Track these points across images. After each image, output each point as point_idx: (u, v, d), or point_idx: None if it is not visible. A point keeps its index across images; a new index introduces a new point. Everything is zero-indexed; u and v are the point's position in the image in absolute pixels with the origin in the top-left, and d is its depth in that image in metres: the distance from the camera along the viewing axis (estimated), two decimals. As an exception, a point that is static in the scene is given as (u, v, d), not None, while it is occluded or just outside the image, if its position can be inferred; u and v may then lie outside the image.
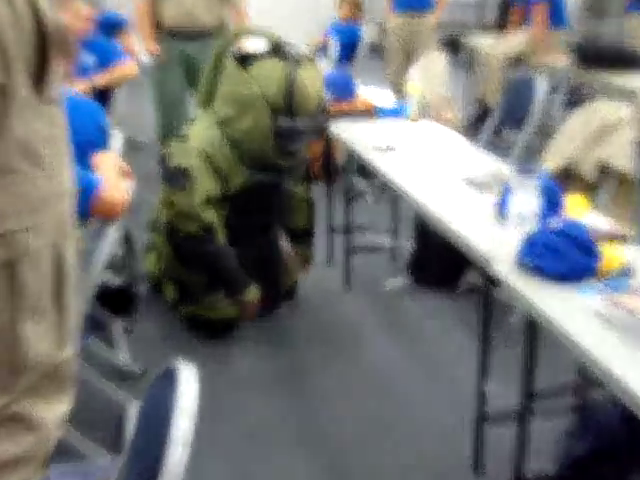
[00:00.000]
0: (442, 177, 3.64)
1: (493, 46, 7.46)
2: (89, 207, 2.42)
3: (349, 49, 7.69)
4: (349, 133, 4.40)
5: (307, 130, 3.82)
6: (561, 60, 6.97)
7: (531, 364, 2.70)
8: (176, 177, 3.79)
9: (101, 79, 5.37)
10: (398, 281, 4.76)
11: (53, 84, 1.09)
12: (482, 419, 3.09)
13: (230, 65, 3.82)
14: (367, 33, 7.90)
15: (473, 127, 7.42)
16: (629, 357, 2.06)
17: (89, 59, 5.28)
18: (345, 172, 4.89)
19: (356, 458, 3.20)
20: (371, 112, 4.79)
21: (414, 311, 4.42)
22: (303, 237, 4.44)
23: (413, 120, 4.60)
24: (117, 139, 3.33)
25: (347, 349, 4.01)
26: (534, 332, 2.64)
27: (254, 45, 6.25)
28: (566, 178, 3.97)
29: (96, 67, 5.38)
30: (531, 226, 2.71)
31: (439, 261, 4.57)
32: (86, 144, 3.19)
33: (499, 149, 5.77)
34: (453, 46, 12.40)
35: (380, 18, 10.03)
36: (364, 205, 5.88)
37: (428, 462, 3.17)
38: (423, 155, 4.02)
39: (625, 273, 2.47)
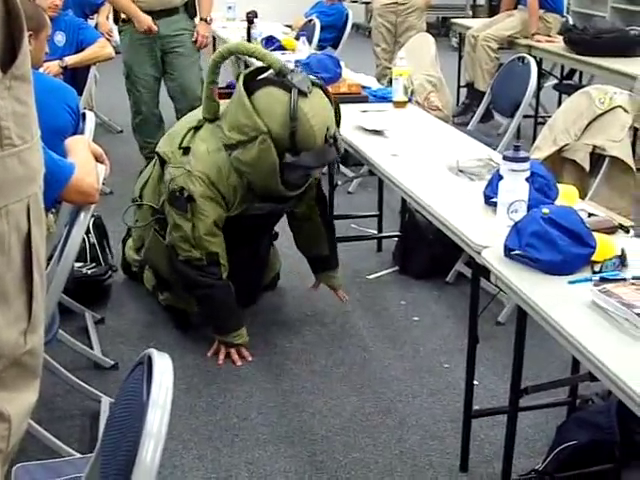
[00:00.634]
0: (430, 163, 3.55)
1: (484, 29, 7.34)
2: (62, 192, 2.31)
3: (334, 31, 7.59)
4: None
5: (312, 166, 3.60)
6: (555, 44, 6.86)
7: (521, 358, 2.60)
8: (179, 200, 3.61)
9: (72, 59, 5.25)
10: (383, 271, 4.65)
11: (21, 61, 1.08)
12: (470, 413, 3.00)
13: (238, 90, 3.57)
14: (353, 14, 7.78)
15: (463, 112, 7.34)
16: (622, 349, 2.02)
17: (59, 37, 5.16)
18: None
19: (338, 453, 3.12)
20: (357, 95, 4.67)
21: (400, 302, 4.32)
22: (326, 264, 4.16)
23: (400, 104, 4.47)
24: (91, 122, 3.22)
25: (330, 341, 3.92)
26: (524, 323, 2.54)
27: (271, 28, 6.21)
28: (559, 165, 3.89)
29: (68, 46, 5.27)
30: (521, 214, 2.61)
31: (426, 251, 4.47)
32: (57, 129, 3.09)
33: (489, 135, 5.69)
34: (443, 29, 12.37)
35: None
36: (348, 193, 5.79)
37: (413, 458, 3.09)
38: (411, 140, 3.92)
39: (619, 263, 2.39)
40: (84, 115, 3.28)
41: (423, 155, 3.67)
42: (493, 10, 9.54)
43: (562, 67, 7.44)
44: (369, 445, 3.16)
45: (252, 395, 3.47)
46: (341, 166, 5.92)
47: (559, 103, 6.81)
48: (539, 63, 6.55)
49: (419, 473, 3.00)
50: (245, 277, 3.92)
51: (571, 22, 7.48)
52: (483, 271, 2.66)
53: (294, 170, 3.55)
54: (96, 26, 6.45)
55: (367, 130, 4.01)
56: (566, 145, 3.92)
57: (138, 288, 4.25)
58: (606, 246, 2.46)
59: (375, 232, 5.04)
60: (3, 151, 1.07)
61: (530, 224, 2.45)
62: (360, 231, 5.14)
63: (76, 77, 5.25)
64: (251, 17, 6.53)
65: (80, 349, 3.60)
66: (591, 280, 2.30)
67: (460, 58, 7.84)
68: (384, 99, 4.63)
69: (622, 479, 2.72)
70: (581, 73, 7.42)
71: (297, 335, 3.96)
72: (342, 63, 4.97)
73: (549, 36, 7.07)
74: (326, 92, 3.64)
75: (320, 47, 6.77)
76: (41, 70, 4.03)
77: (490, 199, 2.92)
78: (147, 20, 5.59)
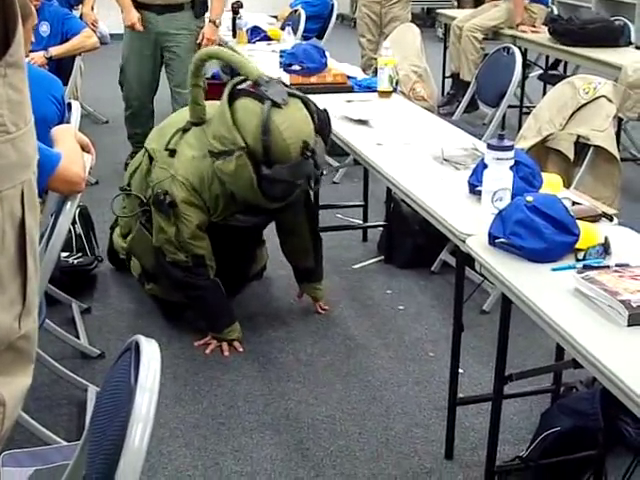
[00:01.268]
0: (415, 153, 3.56)
1: (469, 19, 7.35)
2: (48, 181, 2.31)
3: (320, 21, 7.58)
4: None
5: (287, 180, 3.50)
6: (540, 34, 6.88)
7: (505, 346, 2.62)
8: (162, 203, 3.60)
9: (57, 50, 5.23)
10: (369, 261, 4.66)
11: (15, 49, 1.09)
12: (455, 401, 3.01)
13: (223, 99, 3.53)
14: (338, 4, 7.76)
15: (448, 102, 7.35)
16: (605, 335, 2.03)
17: (44, 27, 5.13)
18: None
19: (324, 441, 3.13)
20: (342, 85, 4.67)
21: (385, 291, 4.33)
22: (311, 276, 4.12)
23: (385, 94, 4.48)
24: (77, 112, 3.21)
25: (315, 330, 3.93)
26: (509, 311, 2.56)
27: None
28: (544, 154, 3.90)
29: (53, 37, 5.25)
30: (506, 202, 2.62)
31: (412, 240, 4.48)
32: (42, 118, 3.07)
33: (474, 125, 5.71)
34: (428, 19, 12.37)
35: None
36: (333, 183, 5.79)
37: (398, 446, 3.10)
38: (396, 130, 3.92)
39: (602, 251, 2.41)
40: (70, 105, 3.27)
41: (408, 144, 3.67)
42: (478, 1, 9.54)
43: (547, 57, 7.45)
44: (355, 433, 3.17)
45: (238, 383, 3.48)
46: (326, 156, 5.91)
47: (544, 93, 6.82)
48: (524, 53, 6.57)
49: (404, 460, 3.02)
50: (232, 269, 3.92)
51: (556, 12, 7.50)
52: (468, 260, 2.68)
53: (271, 183, 3.48)
54: (81, 16, 6.42)
55: (352, 120, 4.01)
56: (550, 135, 3.94)
57: (124, 278, 4.25)
58: (590, 234, 2.47)
59: (360, 222, 5.05)
60: None
61: (514, 212, 2.45)
62: (345, 221, 5.15)
63: (61, 68, 5.23)
64: (236, 7, 6.51)
65: (67, 339, 3.60)
66: (575, 267, 2.31)
67: (445, 49, 7.85)
68: (369, 89, 4.63)
69: (606, 465, 2.75)
70: (566, 63, 7.44)
71: (283, 324, 3.97)
72: (327, 53, 4.97)
73: (534, 26, 7.08)
74: (307, 104, 3.55)
75: (305, 37, 6.75)
76: (26, 60, 4.02)
77: (475, 188, 2.93)
78: (133, 18, 5.53)
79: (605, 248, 2.42)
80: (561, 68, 7.62)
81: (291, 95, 3.49)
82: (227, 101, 3.48)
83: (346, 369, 3.60)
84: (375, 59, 5.56)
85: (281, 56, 5.40)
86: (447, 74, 7.84)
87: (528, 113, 4.80)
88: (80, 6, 6.77)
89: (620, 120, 5.31)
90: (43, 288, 2.64)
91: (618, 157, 3.79)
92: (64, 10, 5.58)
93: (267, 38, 6.47)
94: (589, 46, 6.16)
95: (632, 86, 5.21)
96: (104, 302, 4.14)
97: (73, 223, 4.07)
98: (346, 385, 3.48)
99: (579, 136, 3.83)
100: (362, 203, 5.01)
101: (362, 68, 6.07)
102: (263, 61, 5.51)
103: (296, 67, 4.81)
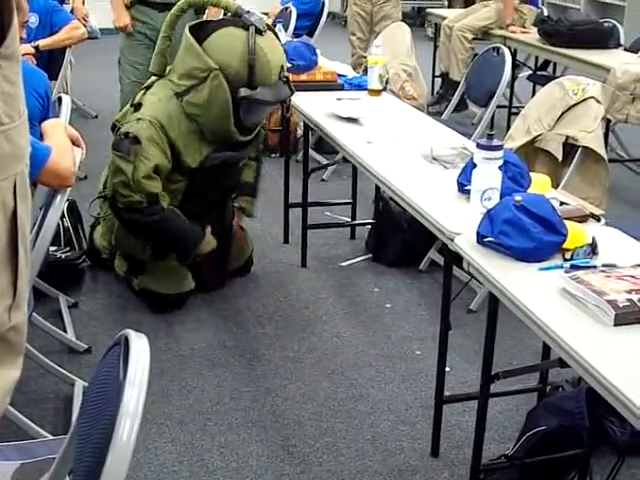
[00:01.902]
0: (405, 151, 3.56)
1: (460, 19, 7.36)
2: (38, 175, 2.31)
3: (310, 19, 7.57)
4: (308, 105, 4.29)
5: (268, 100, 3.76)
6: (529, 35, 6.89)
7: (492, 344, 2.62)
8: (123, 143, 3.68)
9: (45, 41, 5.21)
10: (357, 258, 4.67)
11: (10, 41, 1.10)
12: (441, 399, 3.01)
13: (185, 37, 3.74)
14: (329, 2, 7.75)
15: (437, 101, 7.36)
16: (591, 335, 2.04)
17: (32, 19, 5.11)
18: (303, 146, 4.77)
19: (310, 438, 3.13)
20: (333, 83, 4.67)
21: (373, 289, 4.34)
22: (247, 191, 4.36)
23: (374, 92, 4.49)
24: (67, 106, 3.20)
25: (302, 327, 3.93)
26: (496, 310, 2.56)
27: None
28: (533, 155, 3.91)
29: (41, 29, 5.22)
30: (494, 202, 2.63)
31: (400, 239, 4.49)
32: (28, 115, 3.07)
33: (464, 125, 5.71)
34: (418, 18, 12.37)
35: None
36: (322, 181, 5.79)
37: (384, 443, 3.11)
38: (385, 128, 3.92)
39: (589, 251, 2.42)
40: (60, 99, 3.25)
41: (397, 143, 3.67)
42: (468, 0, 9.55)
43: (536, 58, 7.46)
44: (341, 430, 3.17)
45: (225, 380, 3.48)
46: (315, 153, 5.92)
47: (533, 94, 6.83)
48: (513, 54, 6.58)
49: (390, 458, 3.02)
50: (212, 257, 4.01)
51: (546, 14, 7.51)
52: (456, 259, 2.68)
53: (250, 106, 3.71)
54: (72, 11, 6.40)
55: (342, 118, 4.01)
56: (539, 135, 3.95)
57: (111, 272, 4.24)
58: (577, 234, 2.48)
59: (349, 219, 5.05)
60: None
61: (503, 212, 2.46)
62: (334, 218, 5.15)
63: (51, 61, 5.21)
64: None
65: (54, 333, 3.60)
66: (562, 267, 2.32)
67: (435, 48, 7.86)
68: (359, 87, 4.63)
69: (591, 464, 2.76)
70: (555, 64, 7.45)
71: (270, 321, 3.97)
72: (318, 51, 4.97)
73: (524, 27, 7.10)
74: (277, 37, 3.88)
75: (296, 35, 6.73)
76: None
77: (463, 187, 2.94)
78: (125, 19, 5.47)
79: (592, 248, 2.43)
80: (550, 69, 7.64)
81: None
82: (190, 36, 3.70)
83: (333, 366, 3.60)
84: (365, 57, 5.56)
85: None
86: (437, 73, 7.85)
87: (517, 113, 4.82)
88: (71, 0, 6.75)
89: (608, 121, 5.32)
90: (32, 281, 2.63)
91: (606, 158, 3.80)
92: (53, 2, 5.55)
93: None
94: (578, 47, 6.18)
95: (620, 88, 5.22)
96: (91, 296, 4.14)
97: (61, 217, 4.06)
98: (333, 382, 3.49)
99: (568, 137, 3.84)
100: (350, 201, 5.02)
101: (352, 66, 6.07)
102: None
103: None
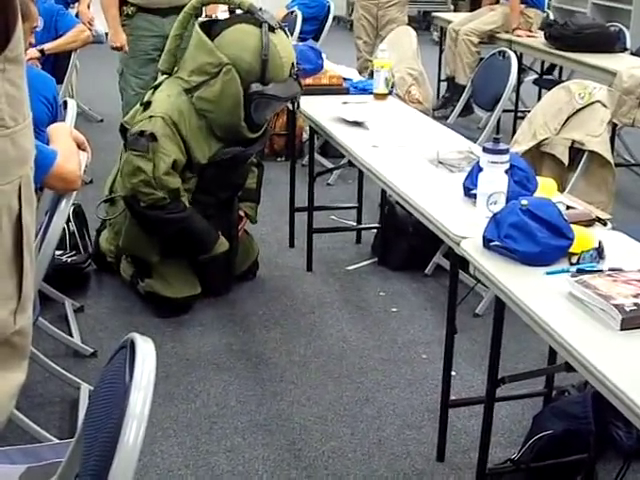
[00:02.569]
0: (410, 155, 3.55)
1: (465, 23, 7.36)
2: (44, 179, 2.31)
3: (316, 23, 7.58)
4: (314, 109, 4.29)
5: (280, 96, 3.80)
6: (535, 39, 6.89)
7: (498, 348, 2.62)
8: (139, 141, 3.68)
9: (50, 45, 5.21)
10: (363, 262, 4.66)
11: (15, 44, 1.10)
12: (447, 403, 3.01)
13: (195, 33, 3.78)
14: (334, 6, 7.75)
15: (443, 105, 7.36)
16: (598, 339, 2.03)
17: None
18: (309, 149, 4.77)
19: (316, 442, 3.13)
20: (338, 87, 4.68)
21: (379, 293, 4.33)
22: (250, 197, 4.36)
23: (380, 96, 4.49)
24: (72, 110, 3.20)
25: (308, 331, 3.93)
26: (502, 314, 2.56)
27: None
28: (539, 159, 3.91)
29: (46, 32, 5.22)
30: (500, 206, 2.63)
31: (406, 243, 4.48)
32: (34, 120, 3.07)
33: (469, 129, 5.71)
34: (424, 22, 12.38)
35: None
36: (328, 185, 5.79)
37: (390, 447, 3.11)
38: (391, 132, 3.92)
39: (596, 255, 2.41)
40: (65, 103, 3.26)
41: (403, 147, 3.67)
42: (474, 4, 9.55)
43: (542, 62, 7.46)
44: (347, 434, 3.17)
45: (231, 384, 3.48)
46: (321, 157, 5.93)
47: (539, 98, 6.84)
48: (519, 58, 6.58)
49: (396, 462, 3.02)
50: (218, 261, 4.04)
51: (552, 17, 7.52)
52: (461, 263, 2.68)
53: (260, 102, 3.74)
54: (77, 15, 6.41)
55: (348, 122, 4.01)
56: (545, 139, 3.95)
57: (117, 276, 4.24)
58: (584, 238, 2.48)
59: (354, 223, 5.04)
60: None
61: (509, 215, 2.46)
62: (339, 222, 5.15)
63: (57, 66, 5.22)
64: (233, 8, 6.49)
65: (60, 337, 3.61)
66: (568, 271, 2.32)
67: (441, 52, 7.86)
68: (365, 91, 4.64)
69: (597, 469, 2.76)
70: (561, 68, 7.45)
71: (276, 325, 3.97)
72: (323, 55, 4.98)
73: (530, 31, 7.10)
74: (287, 34, 3.94)
75: (301, 39, 6.75)
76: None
77: (470, 191, 2.93)
78: (121, 39, 5.28)
79: (599, 252, 2.42)
80: (556, 73, 7.64)
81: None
82: (201, 32, 3.75)
83: (339, 370, 3.60)
84: (371, 61, 5.57)
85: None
86: (442, 77, 7.85)
87: (522, 118, 4.82)
88: (76, 4, 6.77)
89: (614, 125, 5.32)
90: (37, 285, 2.63)
91: (612, 162, 3.80)
92: (58, 6, 5.56)
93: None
94: (584, 51, 6.18)
95: (627, 92, 5.22)
96: (97, 300, 4.14)
97: (67, 221, 4.07)
98: (339, 386, 3.48)
99: (574, 141, 3.84)
100: (356, 205, 5.01)
101: (358, 70, 6.07)
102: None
103: (292, 68, 4.82)
